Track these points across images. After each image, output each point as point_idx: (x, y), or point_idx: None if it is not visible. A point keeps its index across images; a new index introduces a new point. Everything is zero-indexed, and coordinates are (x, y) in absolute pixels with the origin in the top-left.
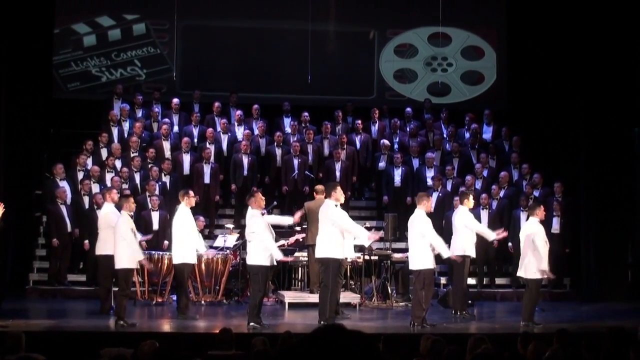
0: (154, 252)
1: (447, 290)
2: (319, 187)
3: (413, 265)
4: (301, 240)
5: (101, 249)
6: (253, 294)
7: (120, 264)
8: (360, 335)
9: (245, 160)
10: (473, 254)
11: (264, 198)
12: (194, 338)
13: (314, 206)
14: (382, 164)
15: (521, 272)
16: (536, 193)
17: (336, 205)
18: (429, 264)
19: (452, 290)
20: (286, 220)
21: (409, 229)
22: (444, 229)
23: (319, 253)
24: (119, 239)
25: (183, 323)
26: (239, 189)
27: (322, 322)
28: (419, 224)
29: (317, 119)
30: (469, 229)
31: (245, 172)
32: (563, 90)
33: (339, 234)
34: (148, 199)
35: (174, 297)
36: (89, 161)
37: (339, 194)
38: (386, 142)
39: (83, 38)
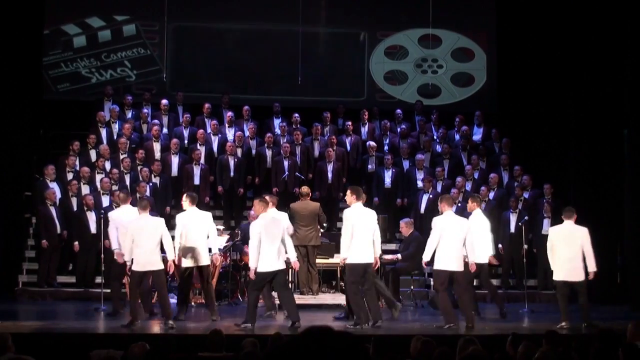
0: None
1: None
2: (304, 189)
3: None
4: None
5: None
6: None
7: (134, 266)
8: (348, 336)
9: (232, 162)
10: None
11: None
12: (184, 340)
13: (299, 208)
14: (370, 166)
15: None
16: (526, 195)
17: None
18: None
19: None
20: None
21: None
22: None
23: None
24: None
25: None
26: (225, 190)
27: (357, 326)
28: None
29: (307, 120)
30: (485, 232)
31: (232, 174)
32: (552, 92)
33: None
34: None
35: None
36: (78, 162)
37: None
38: (372, 143)
39: (73, 39)
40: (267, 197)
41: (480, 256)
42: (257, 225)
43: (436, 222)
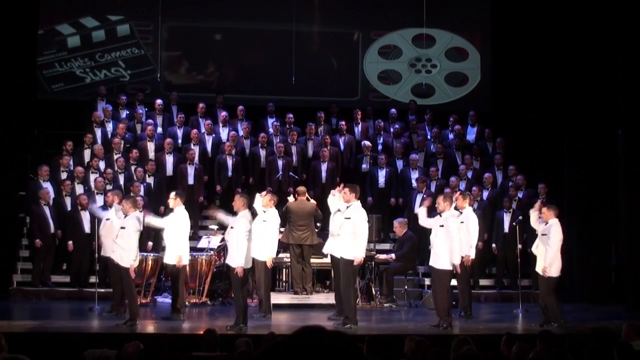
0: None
1: (430, 292)
2: (300, 188)
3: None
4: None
5: (107, 252)
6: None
7: (124, 262)
8: (341, 336)
9: (230, 162)
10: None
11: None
12: (178, 339)
13: (295, 207)
14: (364, 166)
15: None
16: (520, 194)
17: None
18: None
19: (459, 290)
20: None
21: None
22: (428, 231)
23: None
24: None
25: (167, 324)
26: (223, 190)
27: (346, 326)
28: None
29: (301, 120)
30: (474, 230)
31: (230, 173)
32: (547, 91)
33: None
34: None
35: (158, 298)
36: (72, 162)
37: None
38: (367, 143)
39: (67, 39)
40: (269, 195)
41: (469, 252)
42: (246, 223)
43: (456, 221)
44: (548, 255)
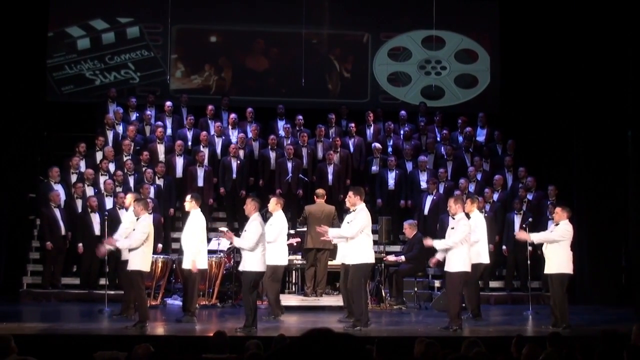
0: None
1: (440, 294)
2: (320, 190)
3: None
4: (295, 244)
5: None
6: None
7: (132, 265)
8: (349, 338)
9: (235, 164)
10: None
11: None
12: (188, 341)
13: (314, 210)
14: (374, 168)
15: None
16: (530, 196)
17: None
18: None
19: (467, 292)
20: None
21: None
22: (439, 232)
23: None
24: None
25: (177, 326)
26: (227, 192)
27: (355, 328)
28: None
29: (311, 122)
30: (483, 233)
31: (234, 175)
32: (556, 93)
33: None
34: None
35: (168, 300)
36: (82, 164)
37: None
38: (377, 145)
39: (77, 41)
40: (275, 198)
41: (483, 256)
42: (259, 226)
43: (467, 224)
44: (543, 236)
